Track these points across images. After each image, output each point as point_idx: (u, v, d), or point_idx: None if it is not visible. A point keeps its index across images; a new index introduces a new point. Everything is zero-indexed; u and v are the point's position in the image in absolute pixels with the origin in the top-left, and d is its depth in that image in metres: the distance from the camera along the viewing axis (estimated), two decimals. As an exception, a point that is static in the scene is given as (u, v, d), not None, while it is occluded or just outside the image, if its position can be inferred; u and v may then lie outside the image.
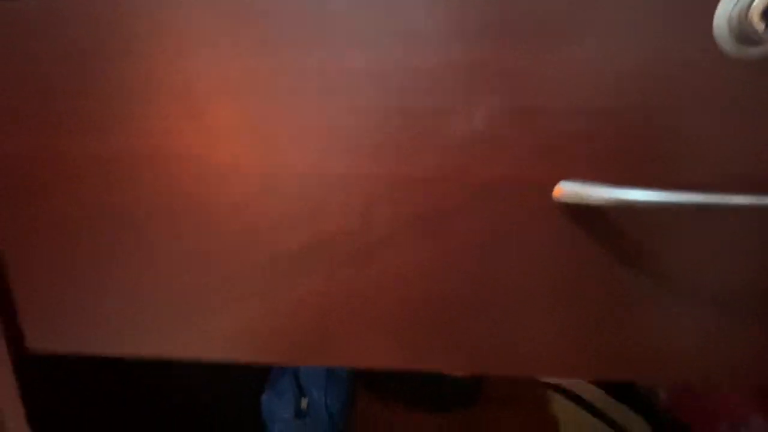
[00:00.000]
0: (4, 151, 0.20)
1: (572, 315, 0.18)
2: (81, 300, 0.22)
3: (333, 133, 0.18)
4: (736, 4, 0.15)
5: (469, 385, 0.51)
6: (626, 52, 0.16)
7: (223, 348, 0.21)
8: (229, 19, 0.17)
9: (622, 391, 0.50)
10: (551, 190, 0.17)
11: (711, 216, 0.17)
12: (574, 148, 0.17)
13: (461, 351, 0.19)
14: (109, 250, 0.21)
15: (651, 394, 0.49)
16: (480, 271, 0.18)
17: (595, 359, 0.18)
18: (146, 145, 0.19)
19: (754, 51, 0.15)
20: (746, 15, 0.14)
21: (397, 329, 0.19)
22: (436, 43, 0.16)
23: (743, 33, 0.15)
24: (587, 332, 0.18)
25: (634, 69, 0.16)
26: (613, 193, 0.16)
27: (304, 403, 0.50)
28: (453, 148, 0.17)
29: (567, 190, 0.17)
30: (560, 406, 0.51)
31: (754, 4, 0.14)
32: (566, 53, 0.16)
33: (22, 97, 0.19)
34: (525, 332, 0.19)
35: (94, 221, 0.20)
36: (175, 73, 0.18)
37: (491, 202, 0.18)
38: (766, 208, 0.13)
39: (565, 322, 0.18)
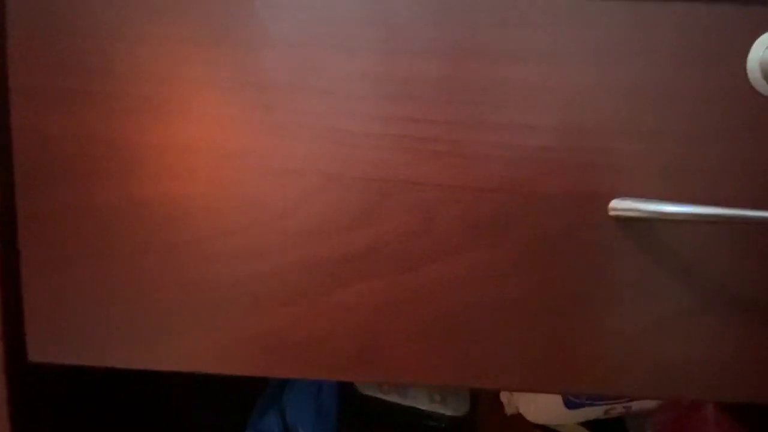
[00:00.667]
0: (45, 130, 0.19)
1: (623, 321, 0.19)
2: (95, 307, 0.20)
3: (397, 141, 0.18)
4: (764, 54, 0.17)
5: (461, 427, 0.50)
6: (675, 83, 0.18)
7: (257, 361, 0.20)
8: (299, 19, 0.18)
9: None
10: (606, 204, 0.18)
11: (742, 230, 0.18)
12: (629, 169, 0.18)
13: (517, 365, 0.19)
14: (139, 248, 0.19)
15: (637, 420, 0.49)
16: (536, 279, 0.19)
17: (645, 371, 0.19)
18: (202, 139, 0.19)
19: (781, 90, 0.17)
20: (776, 59, 0.17)
21: (449, 341, 0.19)
22: (507, 61, 0.18)
23: (772, 75, 0.17)
24: (633, 341, 0.19)
25: (680, 100, 0.18)
26: (660, 208, 0.17)
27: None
28: (515, 161, 0.18)
29: (620, 205, 0.18)
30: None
31: (783, 50, 0.17)
32: (623, 79, 0.18)
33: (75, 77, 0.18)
34: (569, 344, 0.19)
35: (125, 215, 0.19)
36: (241, 67, 0.18)
37: (548, 214, 0.18)
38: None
39: (617, 329, 0.19)
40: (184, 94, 0.19)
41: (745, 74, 0.18)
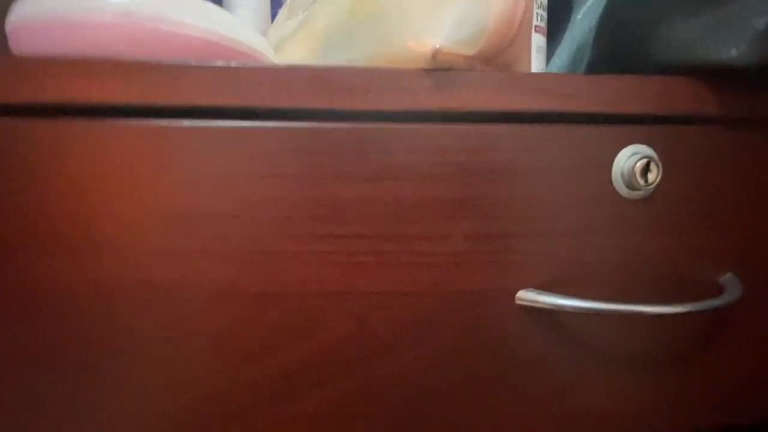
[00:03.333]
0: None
1: (532, 392, 0.22)
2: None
3: (326, 257, 0.20)
4: (623, 166, 0.21)
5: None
6: (558, 192, 0.21)
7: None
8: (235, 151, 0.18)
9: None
10: (513, 297, 0.21)
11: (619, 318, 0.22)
12: (529, 264, 0.21)
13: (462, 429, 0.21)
14: (99, 375, 0.18)
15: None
16: (461, 365, 0.21)
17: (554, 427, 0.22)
18: (138, 274, 0.18)
19: (637, 194, 0.21)
20: (631, 172, 0.21)
21: (397, 424, 0.21)
22: (421, 181, 0.20)
23: (630, 183, 0.21)
24: (546, 405, 0.22)
25: (562, 204, 0.21)
26: (558, 301, 0.20)
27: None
28: (432, 266, 0.20)
29: (525, 296, 0.21)
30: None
31: (635, 166, 0.21)
32: (518, 192, 0.21)
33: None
34: (498, 413, 0.22)
35: (82, 351, 0.18)
36: (170, 199, 0.18)
37: (465, 308, 0.21)
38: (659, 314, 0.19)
39: (527, 399, 0.22)
40: (110, 229, 0.18)
41: (611, 182, 0.21)
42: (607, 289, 0.22)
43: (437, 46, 0.19)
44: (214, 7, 0.21)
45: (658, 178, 0.21)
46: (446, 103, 0.19)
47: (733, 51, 0.20)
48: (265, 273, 0.19)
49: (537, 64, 0.27)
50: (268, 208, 0.19)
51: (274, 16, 0.40)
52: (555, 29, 0.34)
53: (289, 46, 0.30)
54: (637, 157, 0.21)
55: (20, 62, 0.17)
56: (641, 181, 0.21)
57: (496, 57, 0.21)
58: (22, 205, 0.18)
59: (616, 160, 0.21)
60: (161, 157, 0.18)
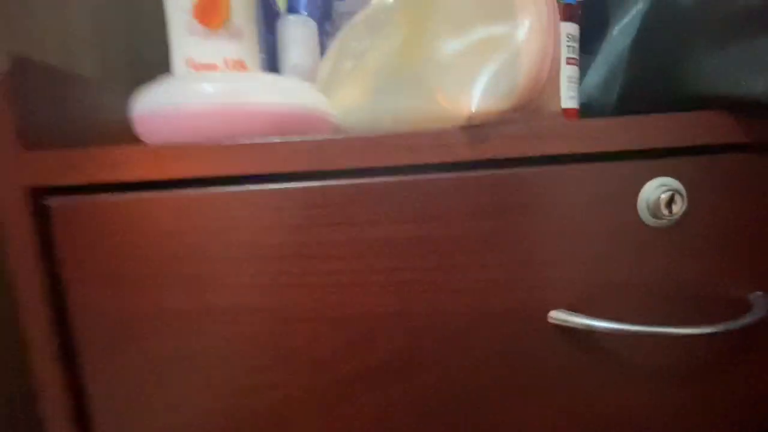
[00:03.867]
0: (102, 309, 0.23)
1: (560, 402, 0.25)
2: (162, 426, 0.25)
3: (385, 287, 0.24)
4: (649, 198, 0.23)
5: None
6: (587, 223, 0.24)
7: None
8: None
9: None
10: (545, 316, 0.24)
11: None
12: (560, 287, 0.24)
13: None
14: (189, 388, 0.25)
15: None
16: (500, 370, 0.25)
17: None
18: (228, 301, 0.24)
19: (662, 223, 0.23)
20: (657, 204, 0.23)
21: (442, 424, 0.25)
22: (461, 220, 0.23)
23: (655, 213, 0.23)
24: (574, 415, 0.25)
25: (591, 233, 0.24)
26: (588, 321, 0.23)
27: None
28: (473, 291, 0.24)
29: (557, 315, 0.24)
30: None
31: (660, 197, 0.23)
32: (551, 225, 0.23)
33: (119, 264, 0.23)
34: (529, 421, 0.25)
35: (176, 362, 0.24)
36: (254, 243, 0.23)
37: (505, 325, 0.24)
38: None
39: (556, 409, 0.25)
40: (216, 269, 0.23)
41: (638, 213, 0.24)
42: (635, 308, 0.24)
43: (473, 110, 0.22)
44: (286, 81, 0.25)
45: (683, 209, 0.23)
46: (481, 154, 0.23)
47: (760, 86, 0.21)
48: (337, 299, 0.24)
49: (569, 93, 0.29)
50: (341, 249, 0.23)
51: (322, 45, 0.44)
52: (594, 39, 0.34)
53: (343, 86, 0.33)
54: (663, 189, 0.23)
55: (141, 152, 0.23)
56: (665, 212, 0.23)
57: (529, 104, 0.24)
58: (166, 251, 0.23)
59: (642, 191, 0.23)
60: (258, 213, 0.23)
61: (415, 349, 0.25)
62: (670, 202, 0.23)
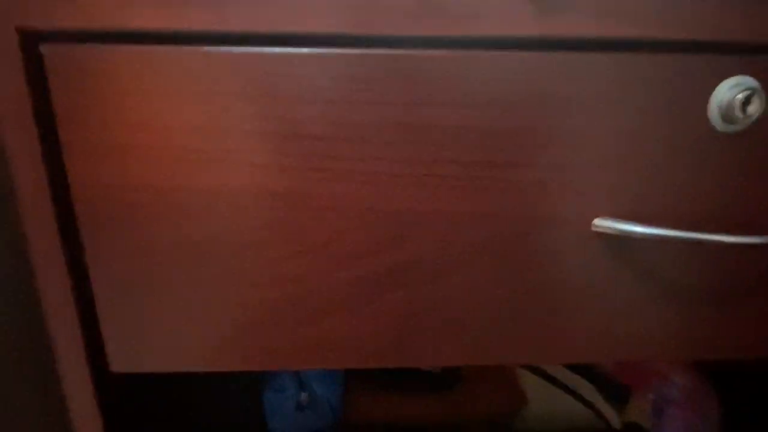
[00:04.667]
0: (108, 181, 0.21)
1: (599, 308, 0.24)
2: (170, 321, 0.23)
3: (420, 179, 0.22)
4: (722, 98, 0.21)
5: (451, 369, 0.57)
6: (648, 125, 0.21)
7: (312, 356, 0.24)
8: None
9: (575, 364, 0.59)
10: (590, 223, 0.22)
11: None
12: (609, 194, 0.22)
13: (521, 344, 0.24)
14: (200, 275, 0.23)
15: (599, 365, 0.58)
16: (534, 280, 0.23)
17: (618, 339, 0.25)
18: (248, 182, 0.21)
19: (733, 127, 0.21)
20: (731, 104, 0.21)
21: (465, 332, 0.24)
22: (514, 110, 0.21)
23: (727, 116, 0.21)
24: (608, 326, 0.24)
25: (651, 136, 0.21)
26: (635, 228, 0.21)
27: (304, 396, 0.53)
28: (515, 192, 0.22)
29: (601, 223, 0.22)
30: (526, 378, 0.59)
31: (737, 97, 0.20)
32: (609, 124, 0.21)
33: (125, 132, 0.20)
34: (559, 330, 0.24)
35: (187, 249, 0.22)
36: (285, 120, 0.21)
37: (547, 230, 0.23)
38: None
39: (593, 315, 0.24)
40: (234, 144, 0.21)
41: (707, 115, 0.21)
42: (685, 221, 0.22)
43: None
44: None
45: (759, 112, 0.21)
46: (551, 30, 0.20)
47: None
48: (367, 190, 0.22)
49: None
50: (372, 131, 0.21)
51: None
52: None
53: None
54: (740, 88, 0.20)
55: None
56: (740, 114, 0.21)
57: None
58: (120, 117, 0.21)
59: (715, 90, 0.21)
60: (272, 77, 0.20)
61: (448, 251, 0.23)
62: (746, 102, 0.21)
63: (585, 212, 0.22)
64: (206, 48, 0.20)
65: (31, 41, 0.19)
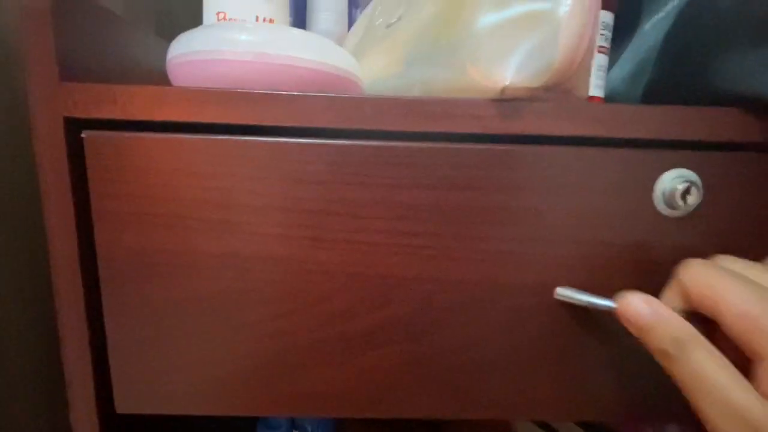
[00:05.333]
0: (129, 245, 0.24)
1: (559, 372, 0.26)
2: (173, 369, 0.26)
3: (402, 249, 0.25)
4: (666, 187, 0.24)
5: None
6: (603, 207, 0.24)
7: (301, 405, 0.26)
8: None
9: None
10: (551, 291, 0.25)
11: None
12: (569, 266, 0.25)
13: (495, 400, 0.26)
14: (205, 328, 0.25)
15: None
16: (505, 341, 0.26)
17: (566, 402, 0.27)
18: (252, 248, 0.24)
19: (675, 213, 0.24)
20: (672, 193, 0.24)
21: (444, 388, 0.26)
22: (482, 192, 0.24)
23: (670, 203, 0.24)
24: (571, 383, 0.27)
25: (605, 220, 0.24)
26: (593, 299, 0.24)
27: (296, 435, 0.54)
28: (486, 261, 0.25)
29: (562, 292, 0.25)
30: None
31: (677, 188, 0.23)
32: (566, 205, 0.24)
33: (148, 203, 0.24)
34: (527, 389, 0.27)
35: (193, 305, 0.25)
36: (286, 197, 0.24)
37: (514, 297, 0.25)
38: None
39: (553, 378, 0.26)
40: (241, 216, 0.24)
41: (652, 201, 0.24)
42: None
43: (506, 83, 0.22)
44: (321, 40, 0.26)
45: (698, 201, 0.24)
46: (509, 129, 0.23)
47: None
48: (357, 257, 0.25)
49: (597, 81, 0.29)
50: (364, 209, 0.24)
51: (350, 16, 0.44)
52: (622, 33, 0.35)
53: (373, 55, 0.34)
54: (680, 180, 0.24)
55: (178, 91, 0.23)
56: (681, 203, 0.24)
57: (560, 85, 0.24)
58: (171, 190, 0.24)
59: (659, 180, 0.24)
60: (275, 162, 0.24)
61: (426, 313, 0.25)
62: (686, 193, 0.23)
63: (547, 282, 0.25)
64: (219, 136, 0.23)
65: (74, 128, 0.23)
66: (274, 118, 0.23)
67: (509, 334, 0.26)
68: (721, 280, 0.20)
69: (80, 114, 0.23)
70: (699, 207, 0.24)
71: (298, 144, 0.23)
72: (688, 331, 0.20)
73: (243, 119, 0.23)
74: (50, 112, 0.23)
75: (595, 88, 0.29)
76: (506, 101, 0.23)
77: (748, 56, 0.23)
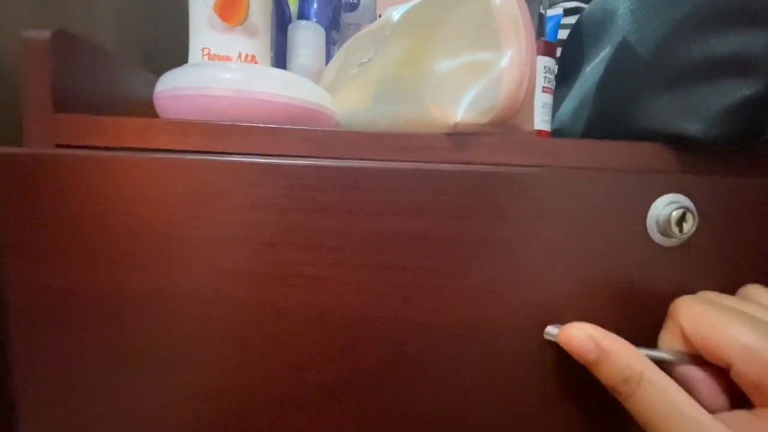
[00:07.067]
0: (45, 282, 0.22)
1: (560, 412, 0.24)
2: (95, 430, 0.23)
3: (373, 287, 0.23)
4: (659, 214, 0.23)
5: None
6: (592, 237, 0.24)
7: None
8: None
9: None
10: (541, 331, 0.24)
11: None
12: (558, 303, 0.24)
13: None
14: (136, 384, 0.23)
15: None
16: (490, 395, 0.24)
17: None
18: (195, 286, 0.22)
19: (671, 241, 0.24)
20: (667, 221, 0.23)
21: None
22: (453, 220, 0.25)
23: (664, 231, 0.23)
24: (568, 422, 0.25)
25: (597, 252, 0.24)
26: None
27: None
28: (468, 300, 0.23)
29: (552, 331, 0.23)
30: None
31: (671, 215, 0.23)
32: (554, 236, 0.24)
33: (69, 238, 0.22)
34: (524, 427, 0.24)
35: (124, 354, 0.22)
36: (236, 225, 0.23)
37: (502, 340, 0.24)
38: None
39: (553, 418, 0.24)
40: (184, 248, 0.22)
41: (645, 228, 0.24)
42: (634, 329, 0.23)
43: (458, 119, 0.25)
44: (297, 78, 0.29)
45: (693, 229, 0.23)
46: (460, 158, 0.26)
47: (696, 126, 0.25)
48: (316, 296, 0.23)
49: (543, 117, 0.33)
50: (329, 238, 0.23)
51: (328, 52, 0.48)
52: (571, 72, 0.39)
53: (347, 91, 0.37)
54: (674, 206, 0.23)
55: (165, 123, 0.25)
56: (676, 230, 0.23)
57: (506, 122, 0.28)
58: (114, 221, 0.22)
59: (652, 207, 0.23)
60: (224, 184, 0.22)
61: (401, 360, 0.23)
62: (681, 219, 0.22)
63: (535, 320, 0.24)
64: (162, 155, 0.22)
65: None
66: (253, 147, 0.25)
67: (497, 382, 0.24)
68: (727, 320, 0.19)
69: (73, 142, 0.25)
70: (695, 235, 0.23)
71: (259, 164, 0.22)
72: (636, 365, 0.19)
73: (224, 148, 0.25)
74: (43, 141, 0.25)
75: (541, 122, 0.33)
76: (457, 135, 0.26)
77: (664, 98, 0.27)
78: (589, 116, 0.33)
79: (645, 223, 0.23)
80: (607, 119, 0.31)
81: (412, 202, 0.23)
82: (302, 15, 0.48)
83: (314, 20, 0.48)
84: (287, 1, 0.50)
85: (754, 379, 0.18)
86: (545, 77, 0.32)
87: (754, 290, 0.22)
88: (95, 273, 0.22)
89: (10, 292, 0.21)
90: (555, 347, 0.23)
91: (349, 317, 0.23)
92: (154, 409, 0.23)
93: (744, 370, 0.18)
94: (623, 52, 0.30)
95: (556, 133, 0.36)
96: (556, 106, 0.38)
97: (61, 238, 0.21)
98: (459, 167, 0.24)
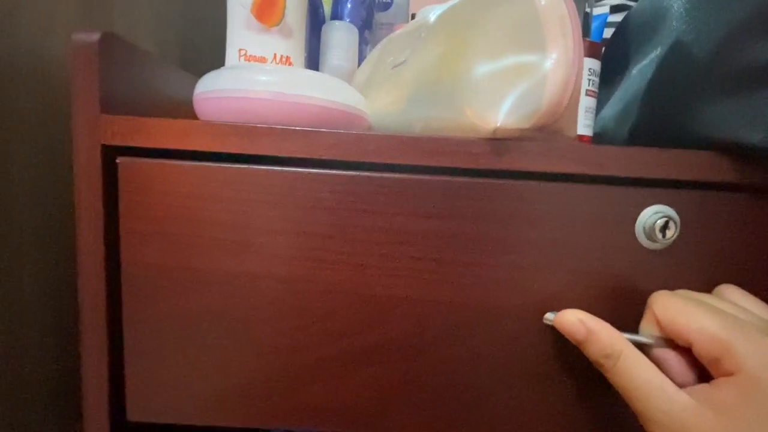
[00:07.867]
0: (150, 260, 0.27)
1: (546, 396, 0.28)
2: (184, 380, 0.28)
3: (401, 271, 0.27)
4: (646, 222, 0.26)
5: None
6: (586, 240, 0.26)
7: (302, 418, 0.28)
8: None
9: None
10: (541, 316, 0.27)
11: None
12: (556, 293, 0.27)
13: (486, 421, 0.27)
14: (215, 342, 0.27)
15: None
16: (492, 366, 0.27)
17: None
18: (263, 268, 0.26)
19: (655, 245, 0.26)
20: (652, 227, 0.25)
21: (437, 408, 0.28)
22: (475, 222, 0.26)
23: (650, 236, 0.26)
24: (565, 402, 0.28)
25: (591, 252, 0.26)
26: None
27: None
28: (480, 285, 0.27)
29: (550, 317, 0.26)
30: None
31: (656, 222, 0.25)
32: (554, 237, 0.26)
33: (171, 224, 0.26)
34: (513, 410, 0.28)
35: (206, 319, 0.27)
36: (297, 221, 0.26)
37: (504, 320, 0.27)
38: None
39: (551, 396, 0.28)
40: (253, 238, 0.26)
41: (634, 233, 0.26)
42: (621, 318, 0.26)
43: (498, 124, 0.25)
44: (331, 80, 0.28)
45: (675, 235, 0.25)
46: (501, 164, 0.25)
47: (756, 137, 0.24)
48: (359, 279, 0.27)
49: (585, 122, 0.31)
50: (366, 234, 0.26)
51: (360, 53, 0.47)
52: (614, 75, 0.37)
53: (380, 92, 0.37)
54: (659, 215, 0.25)
55: (203, 125, 0.26)
56: (660, 236, 0.25)
57: (548, 126, 0.27)
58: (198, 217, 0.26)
59: (640, 215, 0.26)
60: (287, 188, 0.26)
61: (422, 333, 0.27)
62: (665, 227, 0.25)
63: (537, 307, 0.27)
64: (239, 165, 0.26)
65: (110, 154, 0.26)
66: (288, 150, 0.25)
67: (496, 356, 0.27)
68: (691, 309, 0.22)
69: (117, 142, 0.25)
70: (677, 242, 0.26)
71: (310, 174, 0.26)
72: (617, 344, 0.23)
73: (260, 150, 0.25)
74: (90, 140, 0.25)
75: (584, 127, 0.31)
76: (497, 140, 0.25)
77: (722, 104, 0.25)
78: (635, 121, 0.32)
79: (634, 229, 0.26)
80: (656, 125, 0.30)
81: (439, 206, 0.26)
82: (336, 15, 0.48)
83: (348, 20, 0.47)
84: (321, 1, 0.50)
85: (713, 354, 0.21)
86: (589, 80, 0.31)
87: (726, 289, 0.25)
88: (183, 254, 0.27)
89: (125, 267, 0.27)
90: (552, 330, 0.26)
91: (382, 296, 0.27)
92: (229, 361, 0.28)
93: (703, 348, 0.21)
94: (677, 54, 0.28)
95: (598, 137, 0.35)
96: (597, 109, 0.36)
97: (164, 227, 0.26)
98: (489, 181, 0.26)
